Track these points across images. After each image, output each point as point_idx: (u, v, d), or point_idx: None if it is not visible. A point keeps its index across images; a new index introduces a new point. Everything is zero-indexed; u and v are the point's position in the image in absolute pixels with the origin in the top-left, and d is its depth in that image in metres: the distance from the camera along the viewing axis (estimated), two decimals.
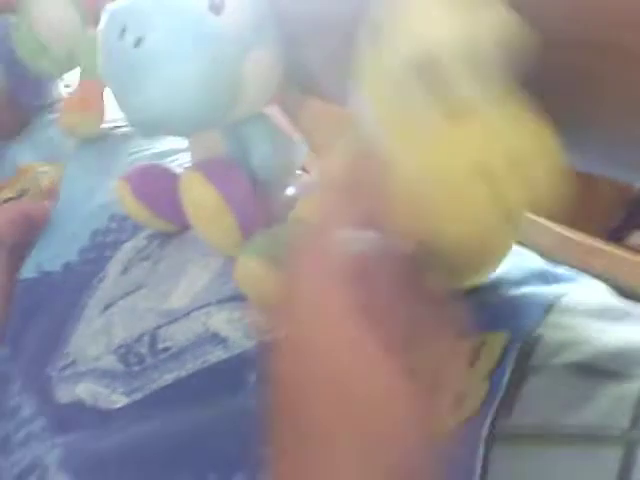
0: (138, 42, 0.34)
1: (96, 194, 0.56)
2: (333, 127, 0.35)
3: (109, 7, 0.36)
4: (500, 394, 0.27)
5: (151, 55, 0.34)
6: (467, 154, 0.23)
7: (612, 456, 0.23)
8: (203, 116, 0.37)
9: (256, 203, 0.41)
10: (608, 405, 0.24)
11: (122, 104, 0.38)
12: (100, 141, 0.64)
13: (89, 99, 0.62)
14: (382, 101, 0.25)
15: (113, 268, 0.49)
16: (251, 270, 0.37)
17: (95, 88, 0.62)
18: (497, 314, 0.32)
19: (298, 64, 0.32)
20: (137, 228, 0.50)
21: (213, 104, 0.36)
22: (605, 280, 0.37)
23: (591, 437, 0.24)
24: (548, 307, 0.31)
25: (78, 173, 0.62)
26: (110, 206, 0.53)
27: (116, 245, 0.50)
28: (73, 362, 0.44)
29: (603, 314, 0.30)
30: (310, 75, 0.35)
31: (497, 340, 0.30)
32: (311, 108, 0.41)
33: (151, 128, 0.40)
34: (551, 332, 0.29)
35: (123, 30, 0.34)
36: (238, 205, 0.40)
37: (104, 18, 0.36)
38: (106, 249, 0.51)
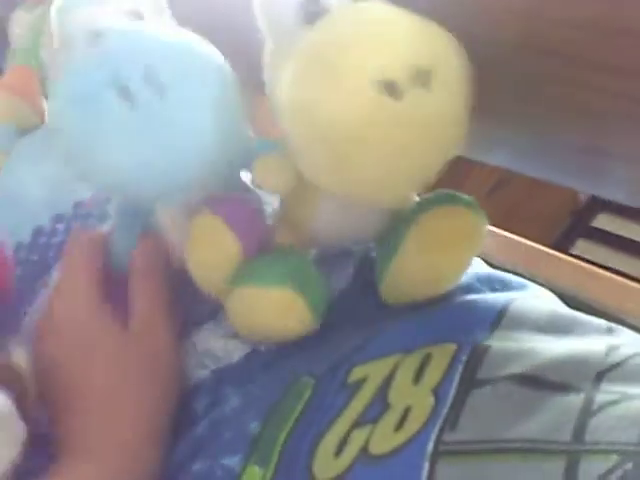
0: (159, 93, 0.27)
1: (33, 187, 0.53)
2: None
3: (95, 49, 0.30)
4: (445, 409, 0.26)
5: (175, 108, 0.28)
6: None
7: (555, 470, 0.22)
8: (214, 173, 0.31)
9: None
10: (552, 418, 0.24)
11: (92, 163, 0.30)
12: (38, 130, 0.61)
13: (23, 86, 0.59)
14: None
15: None
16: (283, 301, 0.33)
17: (29, 74, 0.59)
18: (444, 325, 0.31)
19: (256, 64, 0.31)
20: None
21: (229, 158, 0.31)
22: (549, 288, 0.37)
23: (535, 450, 0.23)
24: (496, 317, 0.31)
25: (16, 164, 0.59)
26: (55, 205, 0.50)
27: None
28: None
29: (550, 324, 0.30)
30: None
31: (444, 352, 0.29)
32: (267, 107, 0.40)
33: (130, 190, 0.31)
34: (498, 343, 0.29)
35: (128, 78, 0.27)
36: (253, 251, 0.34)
37: (87, 59, 0.29)
38: (49, 251, 0.48)
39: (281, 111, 0.27)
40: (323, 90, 0.24)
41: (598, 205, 1.09)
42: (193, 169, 0.29)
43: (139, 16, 0.34)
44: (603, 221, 1.10)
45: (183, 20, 0.34)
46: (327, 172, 0.26)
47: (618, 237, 1.06)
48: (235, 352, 0.36)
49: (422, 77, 0.23)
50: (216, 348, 0.36)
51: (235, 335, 0.36)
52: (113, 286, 0.36)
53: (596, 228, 1.11)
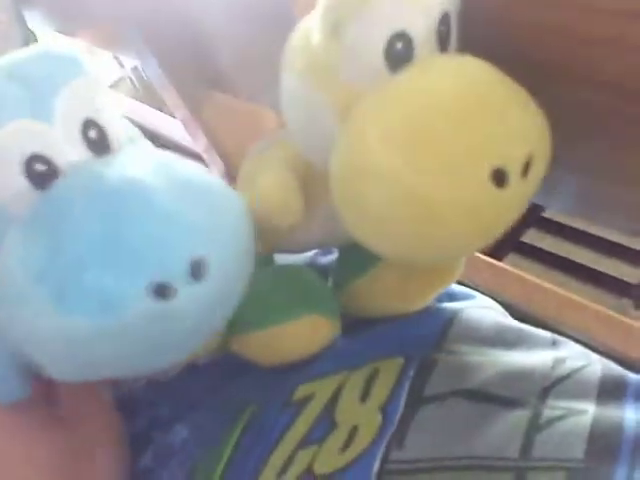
0: (201, 282, 0.22)
1: None
2: (236, 121, 0.32)
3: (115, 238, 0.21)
4: (393, 428, 0.26)
5: (215, 292, 0.23)
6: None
7: None
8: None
9: None
10: (500, 434, 0.24)
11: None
12: None
13: None
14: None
15: None
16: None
17: None
18: (391, 339, 0.31)
19: (206, 57, 0.29)
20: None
21: None
22: (492, 298, 0.37)
23: (483, 468, 0.23)
24: (443, 330, 0.30)
25: None
26: None
27: None
28: None
29: (497, 337, 0.30)
30: (217, 69, 0.32)
31: (391, 367, 0.29)
32: (215, 101, 0.38)
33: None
34: (446, 357, 0.28)
35: (169, 276, 0.21)
36: None
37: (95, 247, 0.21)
38: None
39: (343, 170, 0.23)
40: (426, 166, 0.21)
41: (529, 220, 1.13)
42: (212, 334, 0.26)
43: (93, 126, 0.24)
44: (533, 236, 1.14)
45: (134, 18, 0.32)
46: (394, 243, 0.23)
47: (548, 253, 1.10)
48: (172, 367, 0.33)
49: (527, 166, 0.21)
50: None
51: None
52: None
53: (526, 243, 1.14)
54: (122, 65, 1.33)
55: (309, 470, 0.26)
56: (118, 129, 0.25)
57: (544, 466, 0.22)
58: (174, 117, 0.53)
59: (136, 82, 1.36)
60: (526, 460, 0.23)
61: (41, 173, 0.22)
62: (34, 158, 0.22)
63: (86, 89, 0.24)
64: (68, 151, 0.23)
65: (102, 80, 0.26)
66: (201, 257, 0.22)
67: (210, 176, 0.25)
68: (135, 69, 1.33)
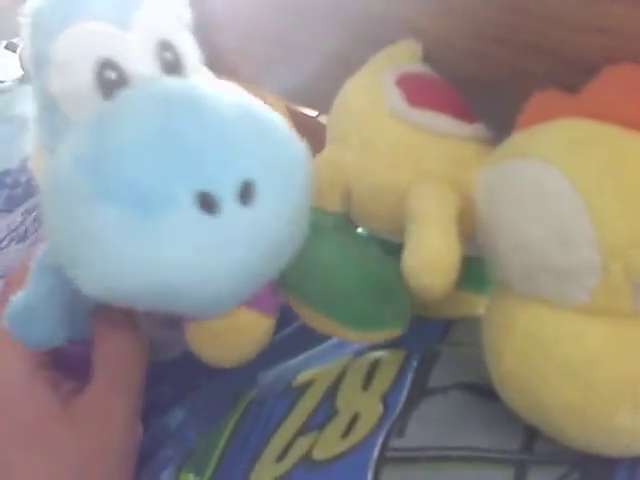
0: (249, 205, 0.21)
1: None
2: None
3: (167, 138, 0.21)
4: (393, 417, 0.26)
5: (266, 219, 0.22)
6: None
7: (503, 478, 0.22)
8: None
9: None
10: (502, 427, 0.24)
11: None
12: None
13: None
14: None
15: None
16: None
17: None
18: None
19: (206, 38, 0.29)
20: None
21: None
22: None
23: (483, 459, 0.23)
24: (447, 321, 0.30)
25: None
26: None
27: None
28: None
29: None
30: (218, 49, 0.32)
31: (394, 357, 0.28)
32: None
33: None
34: (449, 349, 0.28)
35: (216, 188, 0.20)
36: None
37: (149, 139, 0.21)
38: None
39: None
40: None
41: None
42: (271, 274, 0.25)
43: (169, 48, 0.24)
44: None
45: None
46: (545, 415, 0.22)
47: None
48: (174, 346, 0.33)
49: None
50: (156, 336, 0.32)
51: (175, 325, 0.31)
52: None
53: None
54: None
55: (307, 456, 0.26)
56: (191, 56, 0.24)
57: (545, 460, 0.22)
58: None
59: None
60: (528, 453, 0.22)
61: (111, 80, 0.22)
62: (106, 64, 0.22)
63: (167, 9, 0.24)
64: (141, 63, 0.23)
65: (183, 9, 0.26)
66: (251, 180, 0.21)
67: (278, 116, 0.24)
68: None
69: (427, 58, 0.30)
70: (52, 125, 0.24)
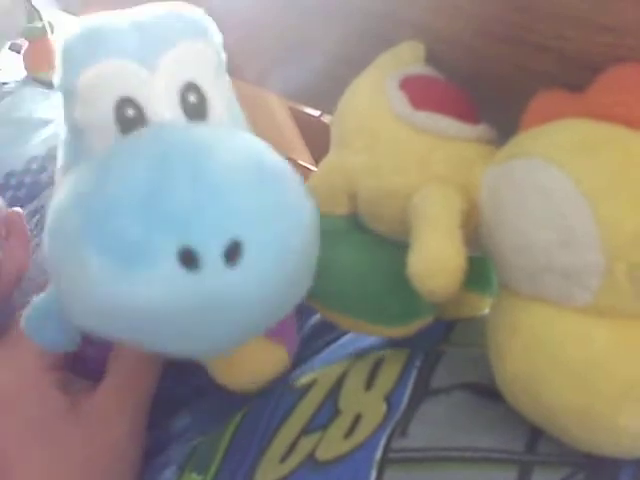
0: (235, 265, 0.20)
1: None
2: (242, 105, 0.32)
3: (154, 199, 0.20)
4: (397, 417, 0.25)
5: (251, 281, 0.21)
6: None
7: (507, 479, 0.22)
8: None
9: None
10: (506, 428, 0.24)
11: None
12: None
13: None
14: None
15: None
16: None
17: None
18: None
19: None
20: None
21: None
22: None
23: (486, 459, 0.23)
24: (450, 321, 0.30)
25: None
26: None
27: None
28: None
29: None
30: (228, 56, 0.32)
31: (397, 357, 0.28)
32: None
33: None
34: (452, 348, 0.28)
35: (202, 246, 0.20)
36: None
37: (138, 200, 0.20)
38: None
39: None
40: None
41: None
42: (264, 327, 0.25)
43: (194, 91, 0.23)
44: None
45: None
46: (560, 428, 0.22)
47: None
48: None
49: None
50: None
51: None
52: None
53: None
54: None
55: (311, 456, 0.26)
56: (220, 102, 0.24)
57: (550, 461, 0.22)
58: None
59: None
60: (532, 454, 0.22)
61: (129, 118, 0.22)
62: (126, 101, 0.22)
63: (199, 53, 0.24)
64: (162, 103, 0.22)
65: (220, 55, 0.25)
66: (240, 240, 0.20)
67: (285, 166, 0.23)
68: None
69: (431, 57, 0.30)
70: (77, 150, 0.24)
